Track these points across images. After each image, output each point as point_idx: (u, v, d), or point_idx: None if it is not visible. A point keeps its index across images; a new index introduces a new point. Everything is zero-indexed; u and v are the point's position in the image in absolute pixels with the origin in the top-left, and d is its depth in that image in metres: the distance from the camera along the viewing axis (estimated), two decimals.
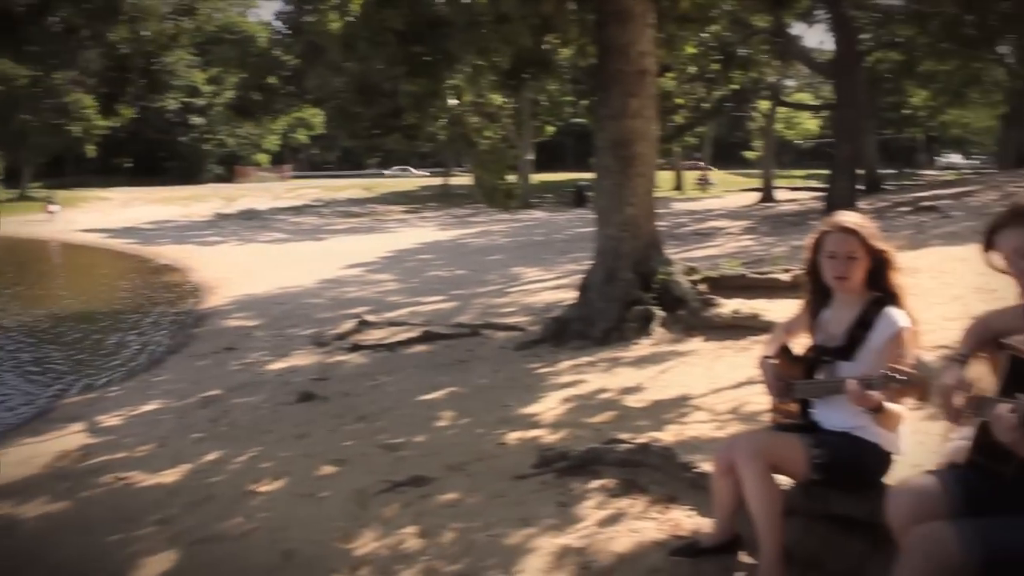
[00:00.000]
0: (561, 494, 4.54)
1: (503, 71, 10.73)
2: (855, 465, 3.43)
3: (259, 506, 4.96)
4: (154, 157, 69.86)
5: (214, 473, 5.68)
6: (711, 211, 31.47)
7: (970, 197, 19.18)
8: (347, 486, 5.06)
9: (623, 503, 4.32)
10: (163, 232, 36.37)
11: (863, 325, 3.39)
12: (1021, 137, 37.39)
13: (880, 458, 3.45)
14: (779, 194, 36.72)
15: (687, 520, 4.05)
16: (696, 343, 8.07)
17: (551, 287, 14.18)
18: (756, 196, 36.37)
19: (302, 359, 9.81)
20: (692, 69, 15.83)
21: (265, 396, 8.08)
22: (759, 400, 5.71)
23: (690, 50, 13.52)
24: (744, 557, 3.58)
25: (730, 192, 45.45)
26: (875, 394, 3.03)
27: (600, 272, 9.30)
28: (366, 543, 4.25)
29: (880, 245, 3.37)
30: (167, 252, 28.59)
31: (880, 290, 3.42)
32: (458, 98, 12.05)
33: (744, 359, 7.03)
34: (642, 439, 5.07)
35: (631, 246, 9.25)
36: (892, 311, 3.33)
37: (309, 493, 5.05)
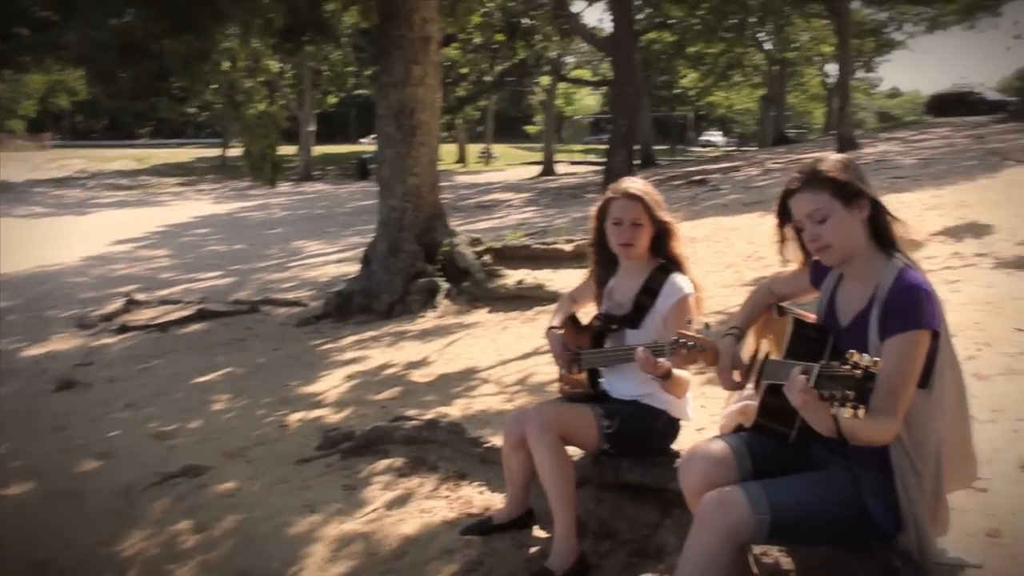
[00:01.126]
0: (347, 477, 4.34)
1: (278, 31, 10.17)
2: (645, 433, 3.45)
3: (5, 513, 4.44)
4: None
5: None
6: (493, 184, 31.75)
7: (736, 172, 20.33)
8: (112, 482, 4.64)
9: (412, 483, 4.18)
10: None
11: (649, 292, 3.40)
12: (779, 118, 40.30)
13: (669, 425, 3.49)
14: (559, 168, 37.62)
15: (478, 497, 3.96)
16: (481, 315, 8.02)
17: (334, 261, 13.79)
18: (537, 170, 37.08)
19: (62, 343, 8.94)
20: (477, 39, 15.76)
21: (18, 386, 7.29)
22: (546, 371, 5.73)
23: (475, 20, 13.41)
24: (537, 531, 3.54)
25: (512, 166, 46.15)
26: (664, 361, 3.04)
27: (383, 244, 9.07)
28: (134, 543, 3.89)
29: (664, 215, 3.38)
30: None
31: (664, 258, 3.44)
32: (232, 61, 11.31)
33: (530, 329, 7.06)
34: (429, 415, 4.94)
35: (414, 217, 9.07)
36: (677, 277, 3.36)
37: (67, 494, 4.58)
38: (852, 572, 2.65)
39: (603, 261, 3.60)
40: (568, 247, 9.11)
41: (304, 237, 17.96)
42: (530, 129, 55.25)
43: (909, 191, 10.67)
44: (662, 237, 3.41)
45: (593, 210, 3.53)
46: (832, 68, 44.82)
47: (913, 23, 36.81)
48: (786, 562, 2.96)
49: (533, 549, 3.43)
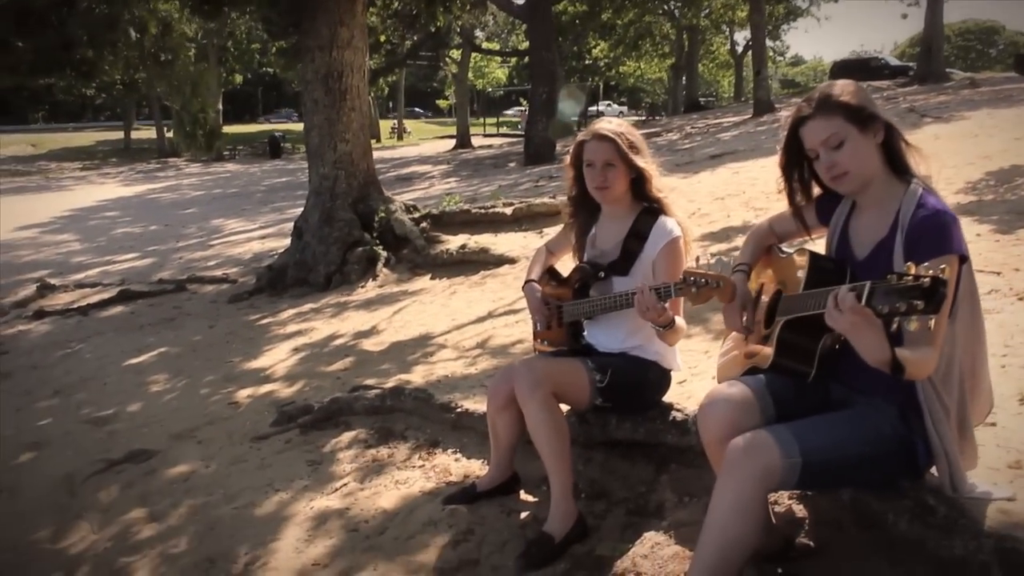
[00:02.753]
0: (310, 452, 4.06)
1: None
2: (638, 386, 3.28)
3: None
4: None
5: None
6: (410, 158, 31.26)
7: (658, 138, 20.41)
8: (49, 473, 4.26)
9: (381, 454, 3.93)
10: None
11: (637, 236, 3.22)
12: (692, 86, 40.65)
13: (661, 376, 3.34)
14: (475, 140, 37.33)
15: (455, 464, 3.75)
16: (424, 281, 7.75)
17: (257, 237, 13.32)
18: (451, 143, 36.73)
19: None
20: (396, 4, 15.31)
21: None
22: (505, 333, 5.52)
23: None
24: (525, 495, 3.36)
25: (426, 140, 45.68)
26: (668, 308, 2.86)
27: (316, 214, 8.70)
28: (83, 537, 3.53)
29: (637, 160, 3.18)
30: None
31: (647, 201, 3.25)
32: (141, 31, 10.69)
33: (480, 293, 6.83)
34: (391, 383, 4.70)
35: (348, 185, 8.73)
36: (665, 219, 3.19)
37: None
38: (882, 515, 2.53)
39: (584, 208, 3.40)
40: (508, 210, 8.88)
41: (222, 215, 17.32)
42: (442, 103, 54.73)
43: None
44: (640, 181, 3.22)
45: (571, 154, 3.31)
46: (740, 37, 45.58)
47: None
48: (799, 509, 2.85)
49: (524, 515, 3.23)
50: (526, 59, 33.85)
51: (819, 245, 2.66)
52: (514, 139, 37.11)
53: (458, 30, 29.85)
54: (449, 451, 3.85)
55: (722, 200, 8.73)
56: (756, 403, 2.42)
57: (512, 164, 21.76)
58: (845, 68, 42.94)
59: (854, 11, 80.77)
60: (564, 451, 3.07)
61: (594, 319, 3.31)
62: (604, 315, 3.22)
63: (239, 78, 45.71)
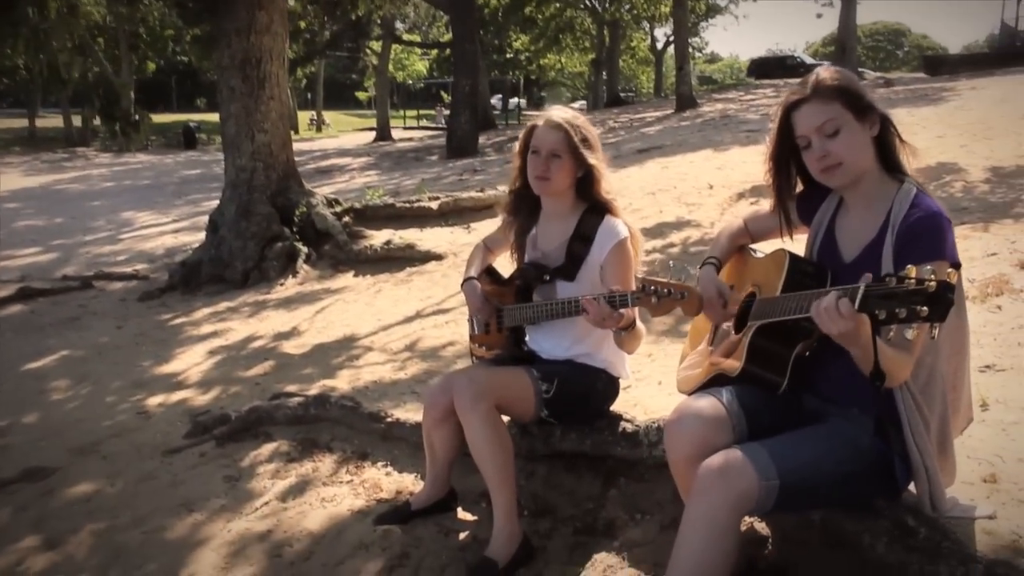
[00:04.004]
0: (227, 466, 3.75)
1: None
2: (585, 396, 3.09)
3: None
4: None
5: None
6: (329, 150, 30.62)
7: None
8: None
9: (306, 468, 3.65)
10: None
11: (582, 238, 3.01)
12: (613, 80, 40.81)
13: (609, 385, 3.16)
14: (395, 133, 36.83)
15: (386, 479, 3.50)
16: (348, 279, 7.43)
17: (170, 231, 12.75)
18: (371, 135, 36.17)
19: None
20: None
21: None
22: (435, 335, 5.27)
23: None
24: (463, 513, 3.14)
25: (345, 132, 44.90)
26: (626, 312, 2.65)
27: (232, 207, 8.29)
28: None
29: (589, 157, 2.96)
30: None
31: (591, 201, 3.04)
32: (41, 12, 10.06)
33: (406, 291, 6.55)
34: (314, 390, 4.41)
35: (266, 177, 8.34)
36: (612, 220, 2.99)
37: None
38: (856, 536, 2.36)
39: (525, 204, 3.17)
40: (434, 204, 8.60)
41: (133, 208, 16.56)
42: (361, 95, 53.95)
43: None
44: (587, 179, 3.00)
45: (517, 143, 3.08)
46: (660, 33, 45.98)
47: None
48: (761, 527, 2.68)
49: (463, 535, 3.01)
50: (447, 51, 33.55)
51: (796, 247, 2.47)
52: (435, 132, 36.75)
53: (379, 20, 29.31)
54: (379, 464, 3.60)
55: (653, 195, 8.60)
56: (728, 419, 2.25)
57: (434, 157, 21.44)
58: (763, 65, 43.93)
59: (769, 10, 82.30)
60: (508, 468, 2.85)
61: (538, 324, 3.09)
62: (550, 320, 3.00)
63: (152, 66, 44.18)
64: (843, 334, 1.89)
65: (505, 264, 3.27)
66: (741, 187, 8.09)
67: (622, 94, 46.02)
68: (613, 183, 3.10)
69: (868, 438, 2.19)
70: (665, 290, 2.48)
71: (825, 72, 2.27)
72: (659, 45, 47.99)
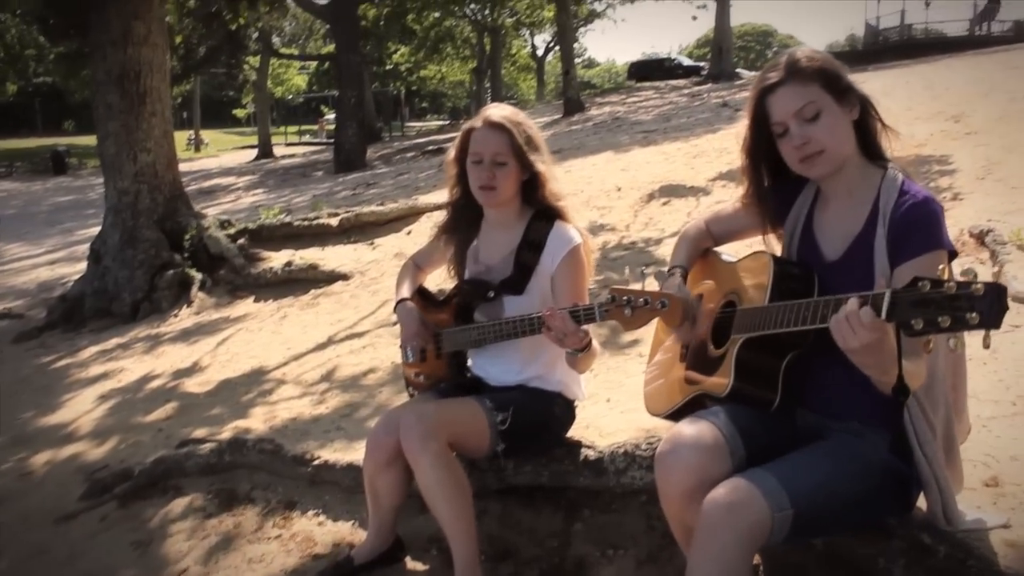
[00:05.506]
0: (134, 530, 3.32)
1: None
2: (545, 424, 2.82)
3: None
4: None
5: None
6: (210, 170, 29.64)
7: None
8: None
9: (226, 524, 3.27)
10: None
11: (531, 246, 2.73)
12: (496, 88, 40.82)
13: (566, 409, 2.89)
14: (277, 150, 35.95)
15: (319, 530, 3.14)
16: (248, 305, 6.94)
17: (44, 263, 11.91)
18: (253, 153, 35.23)
19: None
20: (192, 2, 14.12)
21: None
22: (353, 361, 4.90)
23: None
24: (413, 563, 2.82)
25: (225, 151, 43.64)
26: (587, 329, 2.38)
27: (115, 234, 7.69)
28: None
29: (535, 161, 2.68)
30: None
31: (539, 206, 2.75)
32: None
33: (314, 316, 6.14)
34: (226, 433, 3.98)
35: (152, 200, 7.78)
36: (563, 226, 2.72)
37: None
38: (869, 560, 2.15)
39: (465, 215, 2.86)
40: (334, 221, 8.17)
41: None
42: (239, 113, 52.56)
43: (666, 143, 10.73)
44: (534, 183, 2.72)
45: (456, 144, 2.77)
46: (539, 40, 46.30)
47: None
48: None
49: None
50: (326, 65, 32.81)
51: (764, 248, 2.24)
52: (318, 147, 36.06)
53: (256, 33, 28.48)
54: (310, 513, 3.24)
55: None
56: (726, 445, 2.00)
57: (320, 173, 20.91)
58: (642, 68, 44.72)
59: (644, 14, 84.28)
60: (467, 513, 2.55)
61: (483, 347, 2.78)
62: (499, 341, 2.70)
63: (13, 88, 41.95)
64: (863, 347, 1.69)
65: (435, 282, 2.95)
66: (650, 188, 7.96)
67: (507, 101, 46.12)
68: (562, 185, 2.83)
69: (877, 453, 2.00)
70: (640, 300, 2.21)
71: (800, 52, 2.09)
72: (539, 52, 48.28)
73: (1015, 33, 27.79)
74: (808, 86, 2.00)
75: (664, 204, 7.34)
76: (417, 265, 3.12)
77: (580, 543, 2.76)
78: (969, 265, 1.57)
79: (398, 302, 2.95)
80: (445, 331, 2.87)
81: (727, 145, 9.63)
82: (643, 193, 7.82)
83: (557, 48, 44.78)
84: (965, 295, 1.49)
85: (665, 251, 5.99)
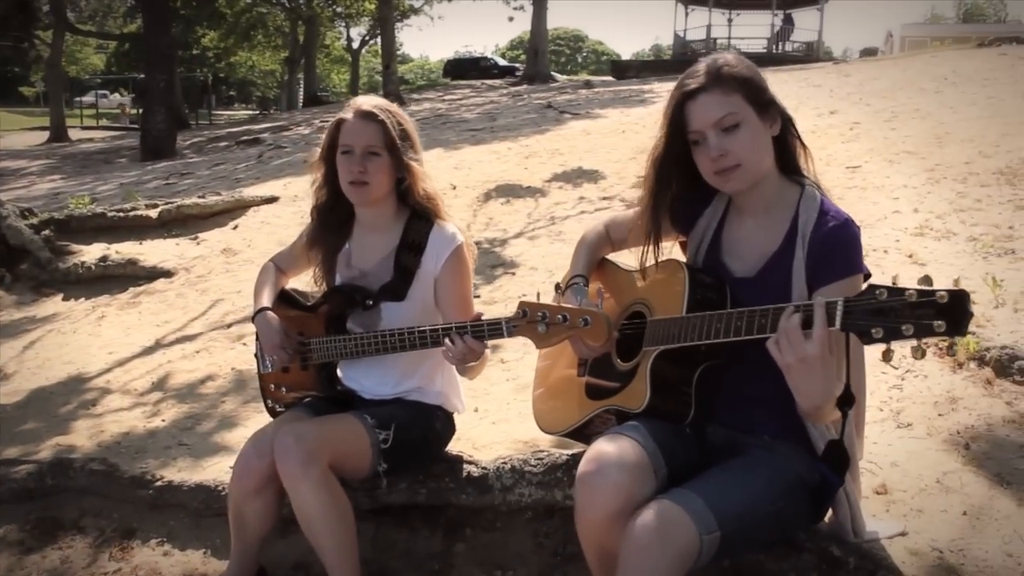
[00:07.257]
0: None
1: None
2: (426, 439, 2.66)
3: None
4: None
5: None
6: None
7: (287, 132, 19.34)
8: None
9: (51, 559, 2.89)
10: None
11: (410, 248, 2.56)
12: (310, 79, 39.75)
13: (448, 423, 2.76)
14: (73, 133, 33.46)
15: (165, 560, 2.84)
16: (56, 304, 6.27)
17: None
18: (45, 136, 32.62)
19: None
20: None
21: None
22: (187, 367, 4.53)
23: None
24: None
25: (11, 132, 40.22)
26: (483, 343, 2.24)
27: None
28: None
29: (408, 153, 2.53)
30: None
31: (415, 205, 2.59)
32: None
33: (137, 317, 5.62)
34: (46, 451, 3.53)
35: None
36: (444, 225, 2.59)
37: None
38: (783, 575, 2.11)
39: (334, 216, 2.65)
40: (153, 213, 7.55)
41: None
42: (27, 91, 48.69)
43: (495, 142, 10.65)
44: (407, 181, 2.56)
45: (325, 137, 2.56)
46: (355, 32, 45.56)
47: None
48: None
49: None
50: (126, 45, 30.87)
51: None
52: (117, 132, 33.97)
53: (48, 7, 26.37)
54: (152, 542, 2.93)
55: None
56: (650, 464, 1.92)
57: (124, 159, 19.56)
58: (458, 66, 45.06)
59: (459, 13, 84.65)
60: (351, 543, 2.37)
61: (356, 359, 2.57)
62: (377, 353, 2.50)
63: None
64: (803, 359, 1.66)
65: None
66: (485, 187, 7.84)
67: (320, 94, 45.00)
68: (435, 181, 2.66)
69: (793, 467, 1.96)
70: (558, 316, 2.07)
71: (724, 59, 2.01)
72: (355, 44, 47.36)
73: (805, 53, 29.90)
74: (730, 95, 1.93)
75: (504, 203, 7.26)
76: (279, 268, 2.86)
77: (464, 565, 2.61)
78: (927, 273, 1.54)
79: (257, 311, 2.69)
80: (314, 341, 2.64)
81: (558, 146, 9.67)
82: (479, 192, 7.70)
83: (372, 42, 44.31)
84: (929, 302, 1.48)
85: (511, 252, 5.89)
